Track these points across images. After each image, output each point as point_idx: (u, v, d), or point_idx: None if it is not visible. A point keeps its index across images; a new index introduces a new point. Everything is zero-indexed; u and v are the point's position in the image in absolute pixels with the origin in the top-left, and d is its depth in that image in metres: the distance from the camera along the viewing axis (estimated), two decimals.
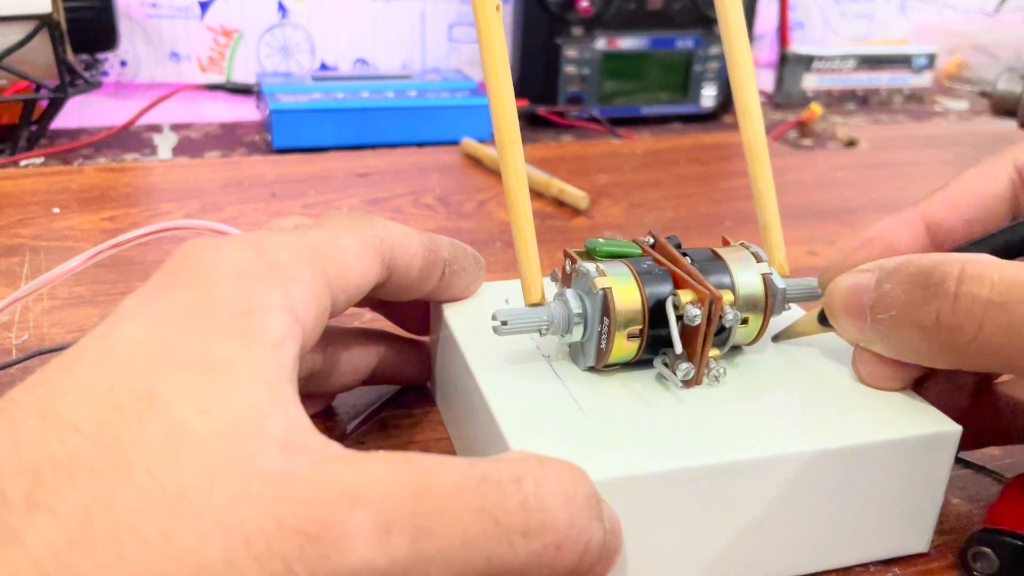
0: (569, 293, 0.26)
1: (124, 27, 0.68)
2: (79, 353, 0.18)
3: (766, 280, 0.26)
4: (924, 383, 0.26)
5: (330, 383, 0.28)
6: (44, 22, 0.54)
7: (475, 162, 0.59)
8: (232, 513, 0.15)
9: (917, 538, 0.25)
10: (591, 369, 0.25)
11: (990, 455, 0.29)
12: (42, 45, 0.55)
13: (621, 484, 0.21)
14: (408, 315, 0.31)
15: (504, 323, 0.25)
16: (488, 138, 0.64)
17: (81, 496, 0.15)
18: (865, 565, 0.24)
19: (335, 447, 0.18)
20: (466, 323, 0.27)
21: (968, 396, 0.26)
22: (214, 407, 0.17)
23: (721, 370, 0.24)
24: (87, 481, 0.15)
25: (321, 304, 0.21)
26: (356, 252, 0.23)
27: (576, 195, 0.51)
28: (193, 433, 0.16)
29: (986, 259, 0.22)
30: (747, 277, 0.26)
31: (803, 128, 0.73)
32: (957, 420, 0.24)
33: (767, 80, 0.84)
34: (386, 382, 0.31)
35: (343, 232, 0.23)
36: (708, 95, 0.74)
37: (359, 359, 0.28)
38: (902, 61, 0.82)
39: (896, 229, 0.26)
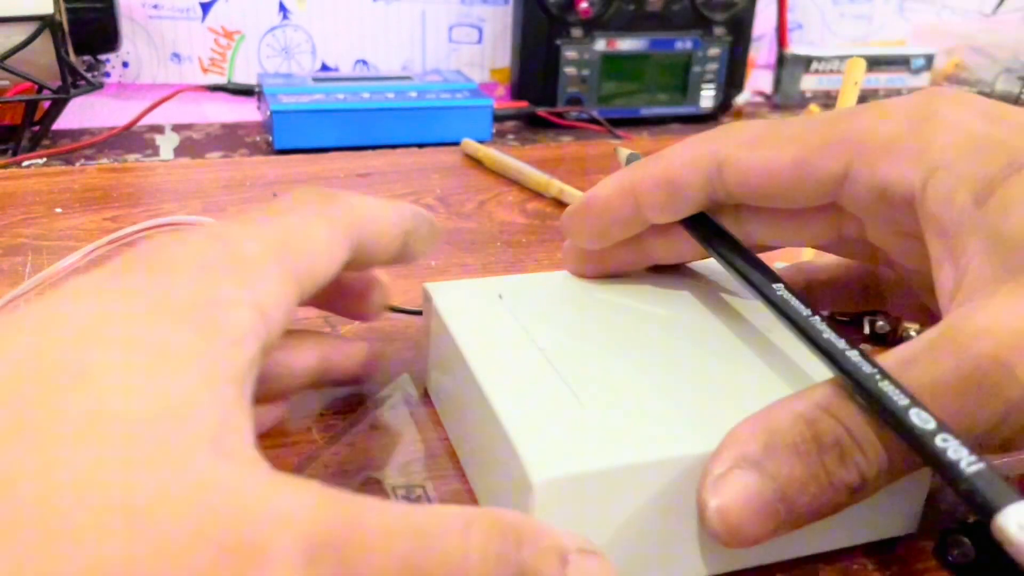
0: None
1: (126, 28, 0.68)
2: (18, 318, 0.17)
3: None
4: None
5: (267, 388, 0.25)
6: (46, 23, 0.54)
7: (475, 162, 0.59)
8: (147, 513, 0.14)
9: (905, 520, 0.25)
10: None
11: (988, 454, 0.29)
12: (44, 46, 0.55)
13: (619, 473, 0.21)
14: (334, 297, 0.28)
15: None
16: (488, 139, 0.64)
17: None
18: (852, 550, 0.25)
19: (267, 465, 0.16)
20: (462, 319, 0.28)
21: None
22: (145, 390, 0.15)
23: None
24: None
25: (289, 301, 0.20)
26: (326, 240, 0.21)
27: (576, 195, 0.51)
28: (115, 414, 0.15)
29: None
30: None
31: None
32: None
33: (765, 81, 0.84)
34: (329, 384, 0.29)
35: (313, 218, 0.22)
36: (707, 96, 0.74)
37: (295, 360, 0.26)
38: (900, 62, 0.83)
39: (611, 193, 0.28)
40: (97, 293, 0.17)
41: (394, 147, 0.62)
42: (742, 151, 0.26)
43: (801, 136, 0.25)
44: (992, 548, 0.23)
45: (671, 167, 0.27)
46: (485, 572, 0.16)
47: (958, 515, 0.24)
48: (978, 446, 0.19)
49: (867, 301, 0.31)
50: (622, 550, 0.22)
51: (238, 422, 0.17)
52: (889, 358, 0.21)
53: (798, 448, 0.20)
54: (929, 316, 0.22)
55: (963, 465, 0.18)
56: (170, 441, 0.15)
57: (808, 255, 0.38)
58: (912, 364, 0.20)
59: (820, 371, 0.24)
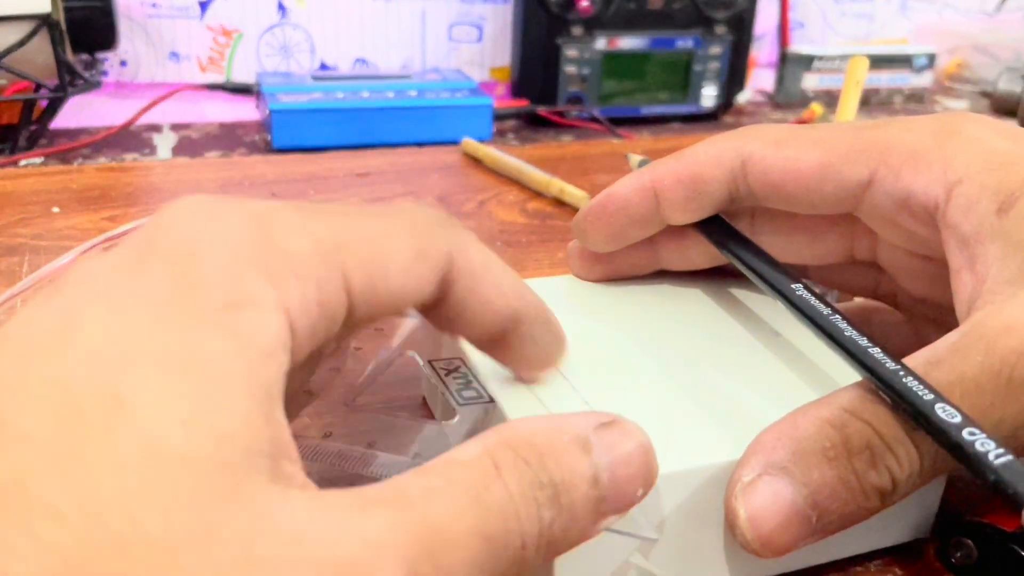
0: None
1: (124, 27, 0.68)
2: (30, 340, 0.15)
3: None
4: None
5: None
6: (44, 22, 0.54)
7: (475, 162, 0.59)
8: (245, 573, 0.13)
9: (919, 524, 0.25)
10: None
11: None
12: (42, 45, 0.55)
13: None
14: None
15: None
16: (488, 138, 0.64)
17: (39, 551, 0.12)
18: (864, 559, 0.24)
19: (314, 488, 0.16)
20: None
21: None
22: (198, 417, 0.14)
23: None
24: (47, 528, 0.12)
25: (329, 311, 0.17)
26: (405, 260, 0.18)
27: (576, 195, 0.51)
28: (173, 452, 0.13)
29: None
30: None
31: None
32: None
33: (767, 80, 0.84)
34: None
35: (401, 232, 0.18)
36: (708, 95, 0.73)
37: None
38: (902, 61, 0.82)
39: (630, 191, 0.27)
40: (115, 295, 0.15)
41: (394, 146, 0.62)
42: (768, 149, 0.26)
43: (828, 140, 0.25)
44: (995, 550, 0.23)
45: (695, 162, 0.27)
46: (528, 510, 0.16)
47: (961, 517, 0.24)
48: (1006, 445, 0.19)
49: None
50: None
51: (289, 445, 0.15)
52: (912, 361, 0.21)
53: (827, 453, 0.20)
54: None
55: (991, 458, 0.18)
56: (233, 477, 0.14)
57: None
58: (937, 364, 0.20)
59: (840, 374, 0.24)
